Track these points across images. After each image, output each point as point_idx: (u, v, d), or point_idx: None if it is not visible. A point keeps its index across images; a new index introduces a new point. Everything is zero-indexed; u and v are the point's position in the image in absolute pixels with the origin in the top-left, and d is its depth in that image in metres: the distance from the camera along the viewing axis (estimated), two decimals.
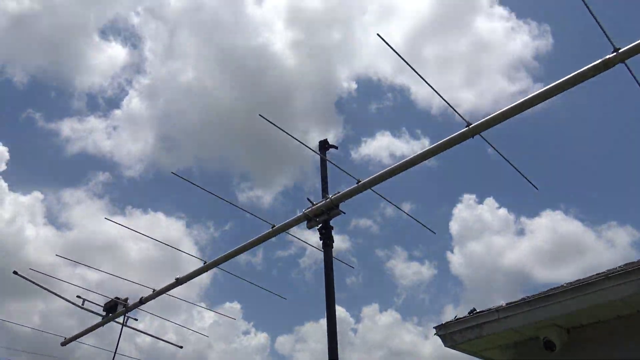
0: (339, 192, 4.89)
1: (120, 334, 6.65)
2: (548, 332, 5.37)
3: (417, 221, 5.17)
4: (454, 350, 6.01)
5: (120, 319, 6.85)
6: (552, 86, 3.68)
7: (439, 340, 5.96)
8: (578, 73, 3.56)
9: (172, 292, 6.43)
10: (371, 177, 4.65)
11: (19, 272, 6.92)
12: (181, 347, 7.43)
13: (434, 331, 5.89)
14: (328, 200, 4.88)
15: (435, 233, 5.49)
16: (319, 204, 4.93)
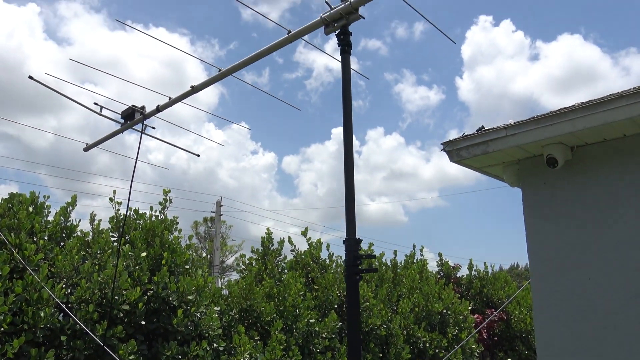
0: None
1: (140, 142, 6.87)
2: (552, 150, 5.54)
3: (437, 28, 5.04)
4: (457, 165, 6.26)
5: (139, 127, 7.05)
6: None
7: (439, 163, 6.21)
8: None
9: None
10: None
11: (34, 77, 6.95)
12: (198, 155, 7.75)
13: (441, 147, 6.07)
14: (347, 3, 4.72)
15: (455, 43, 5.40)
16: (337, 8, 4.77)
